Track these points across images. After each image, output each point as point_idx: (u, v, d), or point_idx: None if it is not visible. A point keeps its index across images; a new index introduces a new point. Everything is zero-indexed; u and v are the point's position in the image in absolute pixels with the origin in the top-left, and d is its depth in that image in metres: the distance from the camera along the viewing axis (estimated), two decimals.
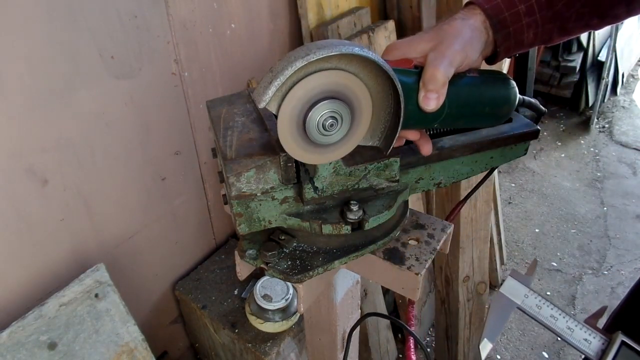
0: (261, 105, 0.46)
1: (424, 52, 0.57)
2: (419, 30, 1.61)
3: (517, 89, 0.64)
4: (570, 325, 0.57)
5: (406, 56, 0.59)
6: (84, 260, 1.10)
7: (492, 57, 0.64)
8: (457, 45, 0.56)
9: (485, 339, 0.59)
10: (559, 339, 1.97)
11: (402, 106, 0.51)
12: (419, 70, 0.56)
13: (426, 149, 0.61)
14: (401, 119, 0.52)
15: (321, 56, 0.44)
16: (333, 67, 0.47)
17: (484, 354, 0.59)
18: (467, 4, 0.62)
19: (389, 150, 0.56)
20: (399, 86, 0.50)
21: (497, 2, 0.60)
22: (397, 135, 0.54)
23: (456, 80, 0.57)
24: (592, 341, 0.57)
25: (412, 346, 0.66)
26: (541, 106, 0.70)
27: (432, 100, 0.54)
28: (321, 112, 0.49)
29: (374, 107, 0.52)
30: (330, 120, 0.49)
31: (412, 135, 0.61)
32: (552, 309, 0.59)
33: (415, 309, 0.78)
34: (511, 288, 0.61)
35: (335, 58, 0.46)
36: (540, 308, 0.59)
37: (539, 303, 0.60)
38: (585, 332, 0.57)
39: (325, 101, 0.48)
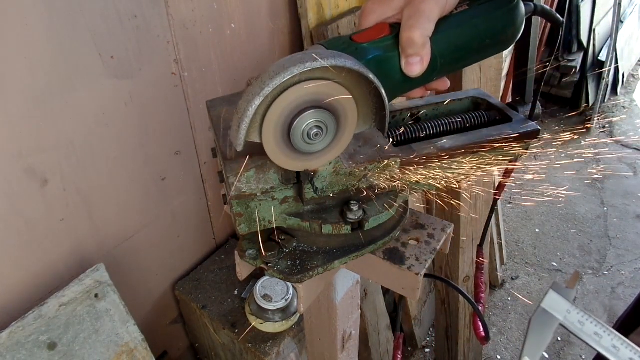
0: (239, 149, 0.47)
1: (399, 8, 0.52)
2: None
3: (521, 3, 0.57)
4: (615, 344, 0.54)
5: (383, 17, 0.54)
6: (84, 260, 1.10)
7: None
8: None
9: (526, 357, 0.56)
10: (559, 338, 1.97)
11: (383, 94, 0.50)
12: (394, 34, 0.52)
13: (443, 87, 0.58)
14: (385, 103, 0.50)
15: (274, 86, 0.44)
16: (297, 81, 0.45)
17: None
18: None
19: (387, 129, 0.55)
20: (372, 78, 0.47)
21: None
22: (388, 115, 0.52)
23: (442, 25, 0.52)
24: None
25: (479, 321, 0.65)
26: (557, 15, 0.63)
27: (415, 65, 0.51)
28: (304, 123, 0.48)
29: (358, 100, 0.50)
30: (315, 130, 0.49)
31: (418, 93, 0.57)
32: (595, 325, 0.55)
33: (483, 274, 0.76)
34: (553, 302, 0.57)
35: (295, 77, 0.45)
36: (583, 325, 0.56)
37: (581, 319, 0.56)
38: (631, 351, 0.54)
39: (307, 112, 0.47)
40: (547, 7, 0.61)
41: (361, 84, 0.50)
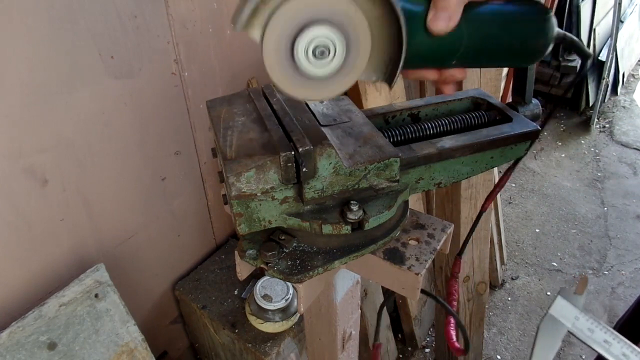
0: (238, 29, 0.42)
1: None
2: None
3: (554, 20, 0.55)
4: (625, 352, 0.53)
5: None
6: (84, 260, 1.10)
7: None
8: None
9: None
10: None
11: (404, 29, 0.45)
12: None
13: (460, 76, 0.55)
14: (404, 47, 0.46)
15: None
16: None
17: None
18: None
19: (392, 85, 0.50)
20: (397, 7, 0.44)
21: None
22: (400, 68, 0.47)
23: (477, 6, 0.51)
24: None
25: (452, 325, 0.65)
26: (586, 49, 0.61)
27: (441, 20, 0.47)
28: (309, 39, 0.43)
29: (374, 36, 0.46)
30: (321, 48, 0.44)
31: (431, 74, 0.54)
32: (605, 332, 0.54)
33: (457, 283, 0.75)
34: (561, 309, 0.56)
35: None
36: (592, 332, 0.54)
37: (590, 326, 0.55)
38: None
39: (313, 27, 0.43)
40: (577, 39, 0.59)
41: (382, 21, 0.46)
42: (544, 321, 0.55)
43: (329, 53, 0.45)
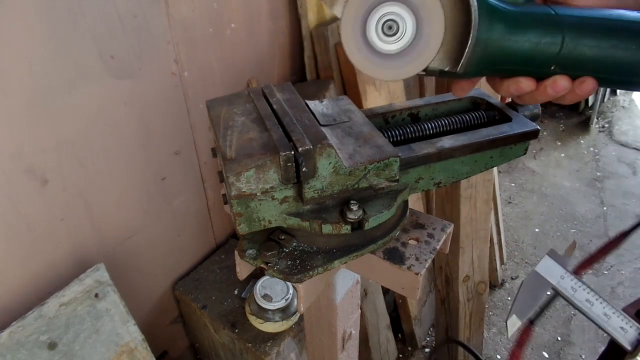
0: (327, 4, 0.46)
1: None
2: None
3: None
4: (607, 312, 0.54)
5: None
6: (84, 260, 1.10)
7: None
8: None
9: (513, 315, 0.56)
10: (559, 338, 1.96)
11: (473, 9, 0.43)
12: None
13: (561, 89, 0.47)
14: (472, 32, 0.44)
15: None
16: None
17: (510, 331, 0.55)
18: None
19: (459, 70, 0.47)
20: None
21: None
22: (467, 50, 0.45)
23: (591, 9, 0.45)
24: (628, 330, 0.54)
25: None
26: None
27: None
28: (379, 15, 0.46)
29: (448, 19, 0.45)
30: (390, 23, 0.46)
31: (526, 84, 0.47)
32: (588, 292, 0.55)
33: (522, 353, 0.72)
34: (547, 268, 0.57)
35: None
36: (575, 291, 0.56)
37: (574, 286, 0.56)
38: (622, 320, 0.53)
39: (384, 4, 0.45)
40: None
41: (457, 5, 0.45)
42: (528, 277, 0.57)
43: (398, 29, 0.46)
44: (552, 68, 0.47)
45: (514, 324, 0.55)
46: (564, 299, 0.56)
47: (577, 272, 0.65)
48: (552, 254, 0.58)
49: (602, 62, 0.46)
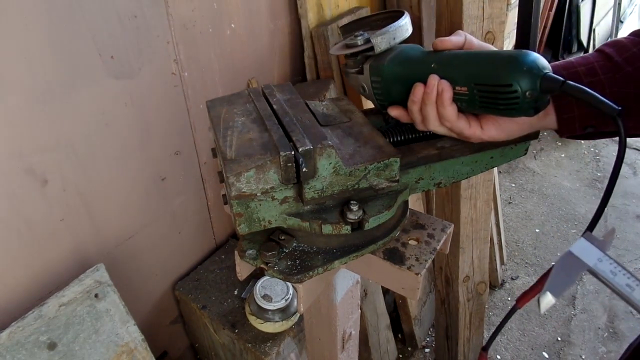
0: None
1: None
2: (419, 30, 1.61)
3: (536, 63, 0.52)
4: None
5: None
6: (84, 260, 1.10)
7: (562, 124, 0.59)
8: None
9: (547, 292, 0.54)
10: (559, 338, 1.96)
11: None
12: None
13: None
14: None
15: None
16: None
17: (543, 308, 0.53)
18: None
19: None
20: None
21: (556, 65, 0.59)
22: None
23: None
24: None
25: None
26: (608, 103, 0.52)
27: (442, 40, 0.60)
28: None
29: None
30: None
31: (418, 88, 0.60)
32: (629, 278, 0.53)
33: None
34: (583, 249, 0.55)
35: None
36: (615, 275, 0.53)
37: (614, 270, 0.54)
38: None
39: None
40: (592, 93, 0.52)
41: None
42: (562, 258, 0.54)
43: None
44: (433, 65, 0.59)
45: (549, 302, 0.53)
46: (602, 282, 0.54)
47: (517, 305, 0.66)
48: (589, 237, 0.57)
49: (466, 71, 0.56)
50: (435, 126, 0.61)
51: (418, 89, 0.60)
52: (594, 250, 0.55)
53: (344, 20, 1.45)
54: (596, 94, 0.50)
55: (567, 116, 0.58)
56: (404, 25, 0.64)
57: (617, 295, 0.53)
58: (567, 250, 0.54)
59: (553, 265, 0.56)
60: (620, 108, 0.49)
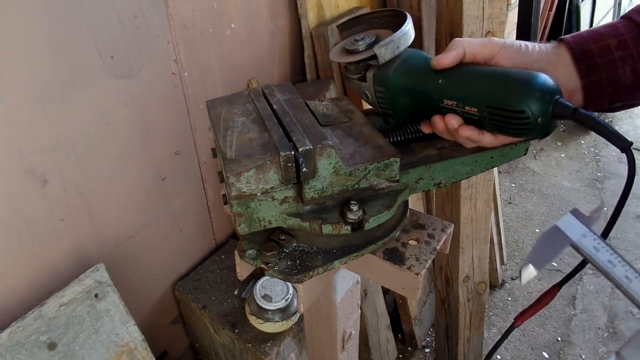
0: None
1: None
2: (419, 30, 1.61)
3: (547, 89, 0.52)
4: (629, 275, 0.52)
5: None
6: (84, 260, 1.10)
7: (588, 101, 0.58)
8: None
9: (529, 264, 0.52)
10: (559, 338, 1.95)
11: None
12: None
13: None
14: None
15: None
16: None
17: (524, 279, 0.53)
18: (557, 40, 0.59)
19: None
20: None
21: (582, 36, 0.56)
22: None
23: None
24: None
25: None
26: (621, 136, 0.56)
27: (438, 58, 0.57)
28: None
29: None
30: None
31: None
32: (611, 254, 0.53)
33: None
34: (568, 224, 0.54)
35: None
36: (597, 250, 0.54)
37: (597, 245, 0.54)
38: None
39: None
40: (603, 123, 0.53)
41: None
42: (548, 231, 0.53)
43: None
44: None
45: (530, 274, 0.53)
46: (583, 257, 0.54)
47: (516, 323, 0.65)
48: (575, 213, 0.56)
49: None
50: (468, 145, 0.61)
51: (437, 123, 0.60)
52: (579, 225, 0.55)
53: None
54: (607, 125, 0.52)
55: (596, 93, 0.57)
56: (408, 32, 0.62)
57: (600, 272, 0.53)
58: (554, 224, 0.54)
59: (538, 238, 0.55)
60: (631, 142, 0.51)
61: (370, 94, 0.66)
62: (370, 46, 0.64)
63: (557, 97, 0.51)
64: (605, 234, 0.59)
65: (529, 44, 0.58)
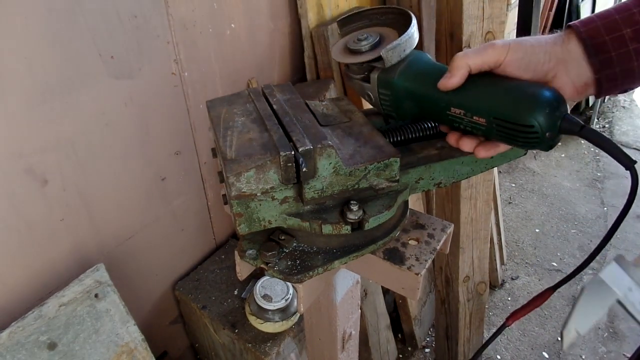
0: None
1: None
2: (419, 30, 1.61)
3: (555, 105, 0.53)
4: None
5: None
6: (84, 260, 1.10)
7: (601, 92, 0.57)
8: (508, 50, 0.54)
9: (573, 327, 0.48)
10: (559, 338, 1.95)
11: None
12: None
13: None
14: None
15: None
16: None
17: (566, 344, 0.49)
18: (566, 28, 0.56)
19: None
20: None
21: (595, 24, 0.53)
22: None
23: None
24: None
25: None
26: (625, 155, 0.55)
27: (444, 81, 0.57)
28: None
29: None
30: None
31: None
32: None
33: None
34: (613, 275, 0.49)
35: None
36: None
37: None
38: None
39: None
40: (605, 138, 0.54)
41: None
42: (592, 283, 0.49)
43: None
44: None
45: (573, 337, 0.48)
46: (630, 316, 0.48)
47: (508, 322, 0.64)
48: (620, 261, 0.51)
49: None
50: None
51: (451, 139, 0.62)
52: (624, 277, 0.49)
53: None
54: (613, 143, 0.53)
55: (609, 85, 0.55)
56: (414, 34, 0.62)
57: None
58: (597, 275, 0.49)
59: (581, 292, 0.50)
60: (635, 161, 0.52)
61: (373, 95, 0.66)
62: (374, 47, 0.64)
63: (565, 112, 0.53)
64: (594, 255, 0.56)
65: (535, 42, 0.56)
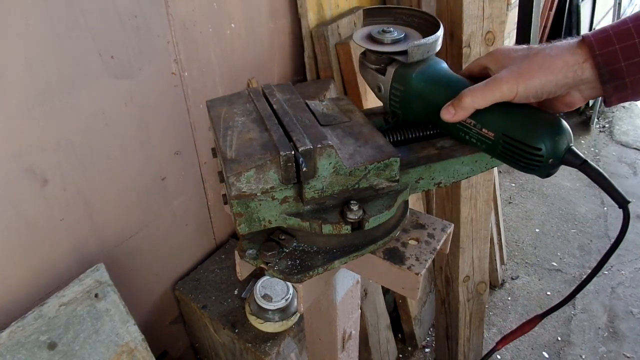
0: None
1: (502, 67, 0.57)
2: None
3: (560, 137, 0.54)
4: None
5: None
6: (84, 260, 1.10)
7: (609, 103, 0.56)
8: (523, 82, 0.54)
9: None
10: (559, 338, 1.95)
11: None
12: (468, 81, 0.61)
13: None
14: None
15: None
16: None
17: None
18: (580, 42, 0.54)
19: None
20: None
21: (613, 48, 0.51)
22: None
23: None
24: None
25: None
26: (620, 194, 0.57)
27: (447, 114, 0.59)
28: None
29: None
30: None
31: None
32: None
33: None
34: None
35: None
36: None
37: None
38: None
39: None
40: (606, 177, 0.56)
41: None
42: None
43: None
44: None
45: None
46: None
47: (497, 346, 0.65)
48: None
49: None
50: None
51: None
52: None
53: (344, 20, 1.45)
54: (610, 181, 0.55)
55: (619, 102, 0.55)
56: (439, 39, 0.63)
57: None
58: None
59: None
60: (629, 200, 0.55)
61: (385, 88, 0.66)
62: (398, 41, 0.64)
63: (571, 144, 0.55)
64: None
65: (543, 77, 0.54)
